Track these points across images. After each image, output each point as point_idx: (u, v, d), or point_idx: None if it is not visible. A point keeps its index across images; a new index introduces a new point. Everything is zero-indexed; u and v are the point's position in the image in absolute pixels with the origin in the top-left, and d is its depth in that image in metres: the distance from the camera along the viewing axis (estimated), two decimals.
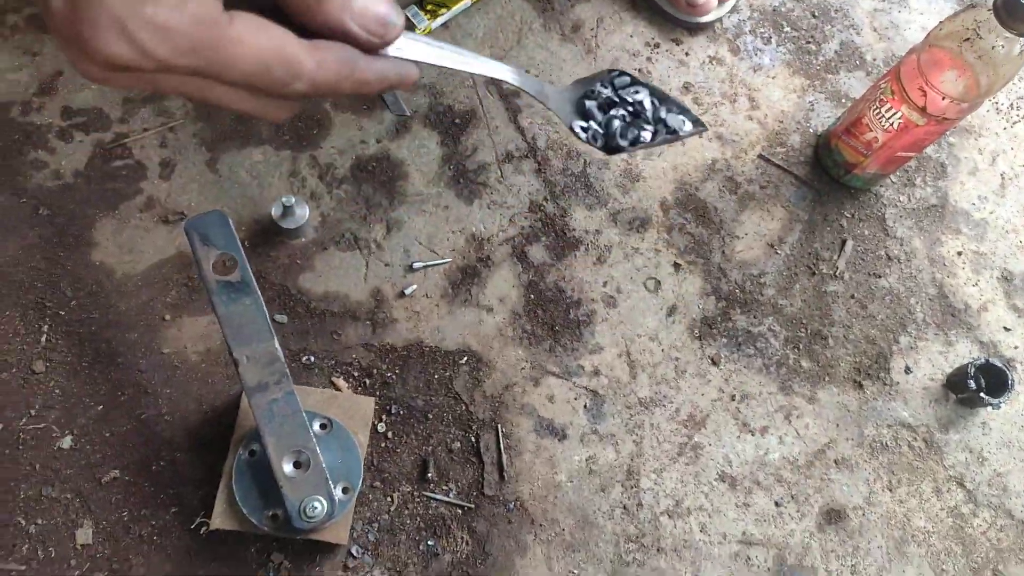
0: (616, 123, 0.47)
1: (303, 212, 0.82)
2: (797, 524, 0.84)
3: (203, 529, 0.74)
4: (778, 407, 0.88)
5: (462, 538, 0.78)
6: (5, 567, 0.70)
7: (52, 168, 0.83)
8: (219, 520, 0.69)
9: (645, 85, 0.47)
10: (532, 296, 0.88)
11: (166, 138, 0.86)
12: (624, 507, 0.82)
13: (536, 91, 0.47)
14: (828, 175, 0.99)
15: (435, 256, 0.87)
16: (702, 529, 0.83)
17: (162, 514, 0.74)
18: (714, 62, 1.02)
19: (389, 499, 0.79)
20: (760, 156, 0.99)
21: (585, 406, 0.85)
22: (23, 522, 0.72)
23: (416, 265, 0.86)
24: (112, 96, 0.86)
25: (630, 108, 0.47)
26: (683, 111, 0.48)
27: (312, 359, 0.81)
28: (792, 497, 0.85)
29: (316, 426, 0.72)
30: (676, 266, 0.92)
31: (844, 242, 0.97)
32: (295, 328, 0.82)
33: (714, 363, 0.89)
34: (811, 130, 1.01)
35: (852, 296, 0.94)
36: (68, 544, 0.72)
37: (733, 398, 0.88)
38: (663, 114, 0.47)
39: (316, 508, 0.66)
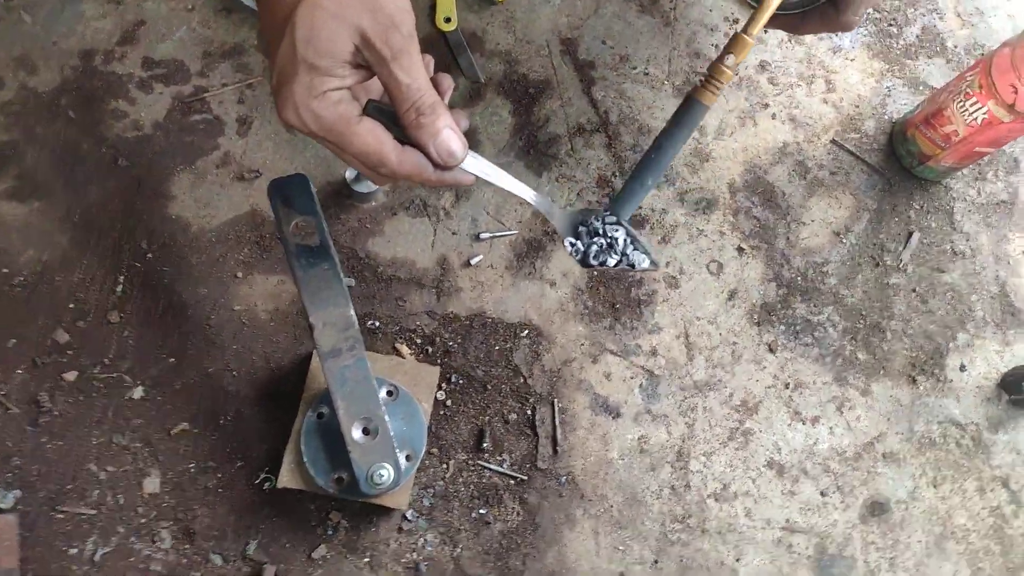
0: (594, 248, 0.64)
1: None
2: (840, 515, 0.86)
3: (267, 485, 0.76)
4: (831, 397, 0.89)
5: (513, 508, 0.80)
6: (76, 510, 0.73)
7: (132, 119, 0.83)
8: (286, 479, 0.71)
9: (625, 227, 0.65)
10: (595, 273, 0.88)
11: (244, 95, 0.86)
12: (672, 488, 0.84)
13: (547, 211, 0.63)
14: (900, 164, 0.97)
15: (502, 227, 0.88)
16: (747, 514, 0.84)
17: (228, 467, 0.76)
18: (792, 41, 1.00)
19: (445, 466, 0.81)
20: (833, 141, 0.97)
21: (641, 385, 0.86)
22: (95, 468, 0.75)
23: (483, 235, 0.87)
24: (192, 49, 0.86)
25: (608, 240, 0.65)
26: (645, 251, 0.65)
27: (377, 324, 0.83)
28: (838, 488, 0.86)
29: (383, 392, 0.74)
30: (740, 250, 0.92)
31: (911, 234, 0.95)
32: (362, 292, 0.83)
33: (771, 350, 0.89)
34: (886, 116, 0.99)
35: (914, 290, 0.94)
36: (136, 492, 0.75)
37: (787, 386, 0.88)
38: (629, 251, 0.65)
39: (383, 476, 0.68)
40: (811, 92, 0.98)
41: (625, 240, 0.65)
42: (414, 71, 0.51)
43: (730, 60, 0.71)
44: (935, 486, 0.88)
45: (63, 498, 0.73)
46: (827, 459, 0.87)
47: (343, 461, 0.70)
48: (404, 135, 0.54)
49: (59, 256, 0.79)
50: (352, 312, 0.69)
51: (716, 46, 0.98)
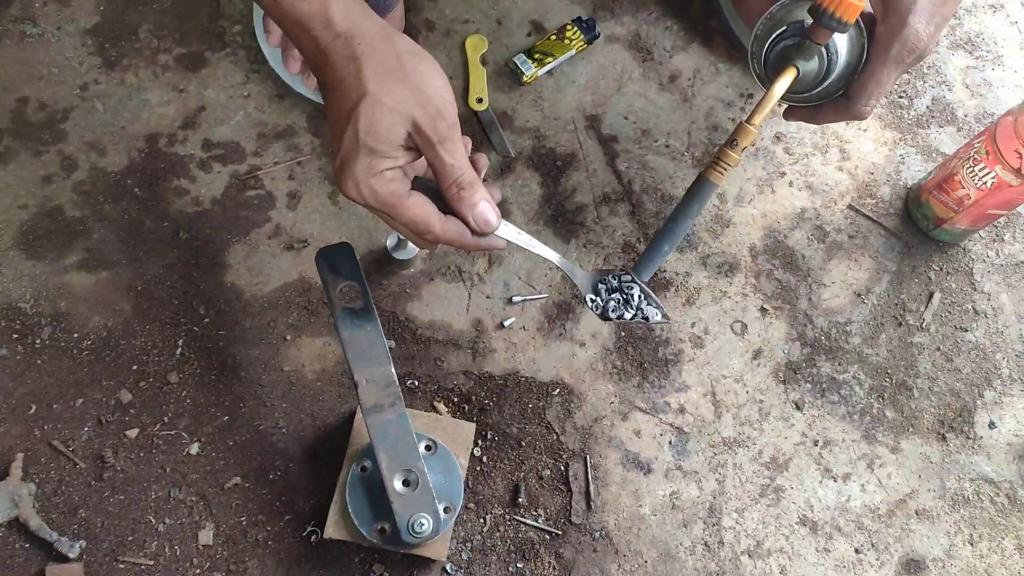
0: (612, 303, 0.71)
1: (415, 247, 0.88)
2: (876, 572, 0.86)
3: (313, 537, 0.79)
4: (861, 455, 0.90)
5: (549, 563, 0.82)
6: (136, 561, 0.77)
7: (192, 195, 0.91)
8: (332, 530, 0.74)
9: (639, 285, 0.71)
10: (623, 333, 0.92)
11: (294, 171, 0.93)
12: (705, 544, 0.85)
13: (569, 271, 0.71)
14: (917, 228, 1.01)
15: (533, 291, 0.92)
16: (782, 571, 0.85)
17: (276, 521, 0.80)
18: None
19: (482, 520, 0.83)
20: (850, 206, 1.01)
21: (670, 442, 0.88)
22: (153, 520, 0.79)
23: (515, 299, 0.91)
24: (248, 131, 0.94)
25: (625, 296, 0.72)
26: (658, 306, 0.72)
27: (416, 383, 0.87)
28: (872, 545, 0.87)
29: (422, 447, 0.77)
30: (763, 311, 0.95)
31: (931, 295, 0.98)
32: (402, 353, 0.88)
33: (798, 408, 0.92)
34: (901, 183, 1.03)
35: (938, 349, 0.96)
36: (191, 544, 0.78)
37: (816, 443, 0.90)
38: (643, 305, 0.72)
39: (423, 525, 0.71)
40: (826, 160, 1.03)
41: (639, 296, 0.72)
42: (457, 153, 0.60)
43: (736, 146, 0.77)
44: (971, 544, 0.88)
45: (124, 549, 0.77)
46: (860, 516, 0.88)
47: (385, 512, 0.74)
48: (446, 207, 0.62)
49: (123, 322, 0.85)
50: (393, 370, 0.74)
51: (732, 119, 1.04)
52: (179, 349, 0.85)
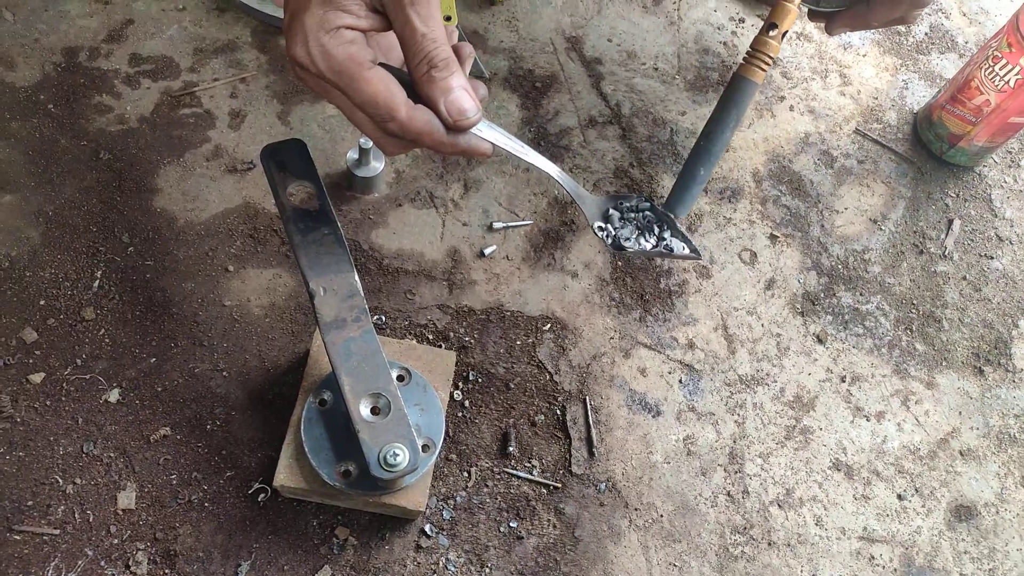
0: (626, 232, 0.60)
1: (379, 164, 0.76)
2: (923, 520, 0.74)
3: (261, 496, 0.65)
4: (894, 391, 0.79)
5: (548, 520, 0.69)
6: (37, 530, 0.62)
7: (116, 113, 0.78)
8: (284, 476, 0.60)
9: (659, 212, 0.60)
10: (619, 263, 0.81)
11: (237, 89, 0.81)
12: (728, 494, 0.73)
13: (574, 191, 0.58)
14: (929, 152, 0.92)
15: (516, 217, 0.81)
16: (817, 522, 0.73)
17: (215, 479, 0.65)
18: (802, 38, 0.97)
19: (466, 474, 0.70)
20: (856, 131, 0.92)
21: (680, 381, 0.76)
22: (60, 481, 0.64)
23: (496, 225, 0.80)
24: (182, 46, 0.82)
25: (642, 225, 0.60)
26: (684, 238, 0.60)
27: (384, 319, 0.74)
28: (916, 490, 0.75)
29: (393, 375, 0.64)
30: (773, 238, 0.85)
31: (951, 222, 0.89)
32: (366, 286, 0.75)
33: (820, 341, 0.81)
34: (907, 108, 0.95)
35: (964, 277, 0.86)
36: (108, 508, 0.63)
37: (843, 379, 0.79)
38: (666, 235, 0.60)
39: (398, 456, 0.57)
40: (827, 85, 0.95)
41: (661, 225, 0.60)
42: (431, 21, 0.47)
43: (774, 31, 0.68)
44: None
45: (22, 516, 0.61)
46: (899, 458, 0.76)
47: (349, 451, 0.60)
48: (414, 91, 0.49)
49: (29, 251, 0.71)
50: (356, 279, 0.61)
51: (725, 43, 0.95)
52: (97, 281, 0.71)
